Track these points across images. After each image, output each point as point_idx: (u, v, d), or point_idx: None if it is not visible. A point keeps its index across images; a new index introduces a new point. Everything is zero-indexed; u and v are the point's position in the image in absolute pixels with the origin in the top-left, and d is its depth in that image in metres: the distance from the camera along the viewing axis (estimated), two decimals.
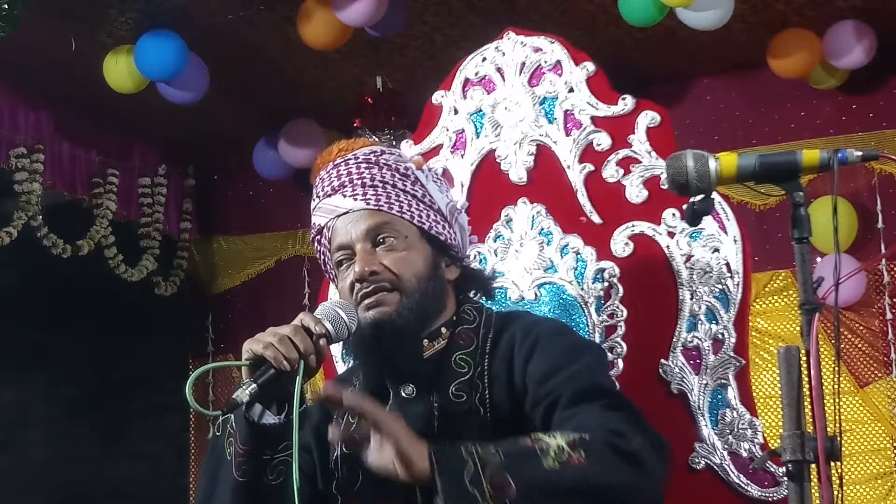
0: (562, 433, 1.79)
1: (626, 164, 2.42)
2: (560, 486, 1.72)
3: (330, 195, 2.06)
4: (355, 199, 2.03)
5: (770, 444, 2.13)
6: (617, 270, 2.36)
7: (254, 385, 1.77)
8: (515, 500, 1.69)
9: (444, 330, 2.04)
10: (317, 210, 2.09)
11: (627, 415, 1.87)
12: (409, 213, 2.04)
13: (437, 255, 2.06)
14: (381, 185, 2.04)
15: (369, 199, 2.03)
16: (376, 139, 4.99)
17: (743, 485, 2.23)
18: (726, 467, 2.24)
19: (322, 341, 1.86)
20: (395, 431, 1.73)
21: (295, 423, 1.79)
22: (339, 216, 2.04)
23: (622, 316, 2.34)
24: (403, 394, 1.99)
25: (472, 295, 2.15)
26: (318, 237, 2.10)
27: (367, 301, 1.98)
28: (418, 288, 1.99)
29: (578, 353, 1.98)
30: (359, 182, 2.04)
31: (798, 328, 1.72)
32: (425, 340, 2.02)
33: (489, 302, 2.26)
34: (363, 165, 2.06)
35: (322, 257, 2.13)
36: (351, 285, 2.00)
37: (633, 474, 1.77)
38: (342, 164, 2.08)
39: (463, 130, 2.58)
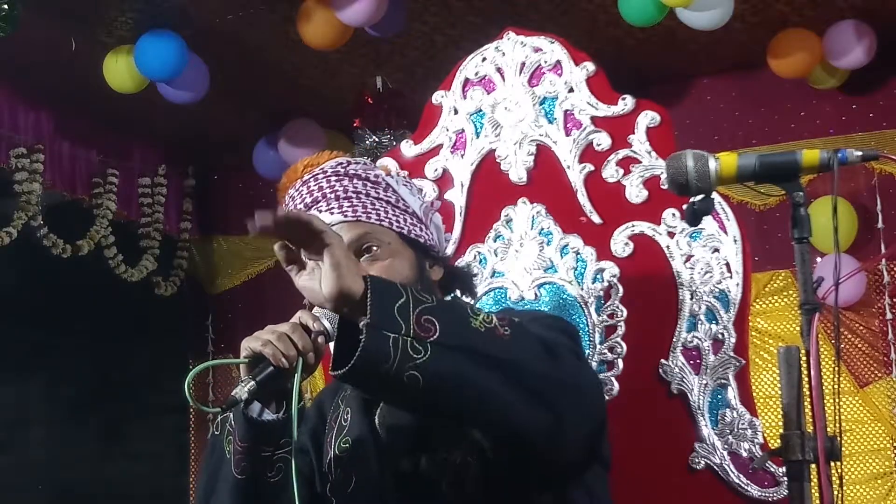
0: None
1: (626, 164, 2.42)
2: (479, 347, 1.70)
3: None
4: (332, 213, 2.00)
5: (770, 444, 2.14)
6: (617, 270, 2.37)
7: (252, 382, 1.78)
8: (434, 345, 1.67)
9: None
10: None
11: (570, 347, 1.86)
12: (387, 220, 2.02)
13: (421, 257, 2.06)
14: (354, 195, 2.02)
15: (346, 210, 2.01)
16: (376, 139, 4.99)
17: (743, 485, 2.23)
18: (726, 467, 2.24)
19: (320, 339, 1.86)
20: (338, 245, 1.71)
21: (293, 420, 1.79)
22: None
23: (622, 316, 2.34)
24: None
25: (459, 295, 2.15)
26: None
27: None
28: None
29: (544, 318, 1.99)
30: (332, 195, 2.02)
31: (798, 328, 1.71)
32: None
33: (489, 305, 2.25)
34: (333, 178, 2.04)
35: None
36: None
37: (550, 364, 1.74)
38: (311, 179, 2.06)
39: (463, 130, 2.58)
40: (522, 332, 1.75)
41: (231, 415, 1.89)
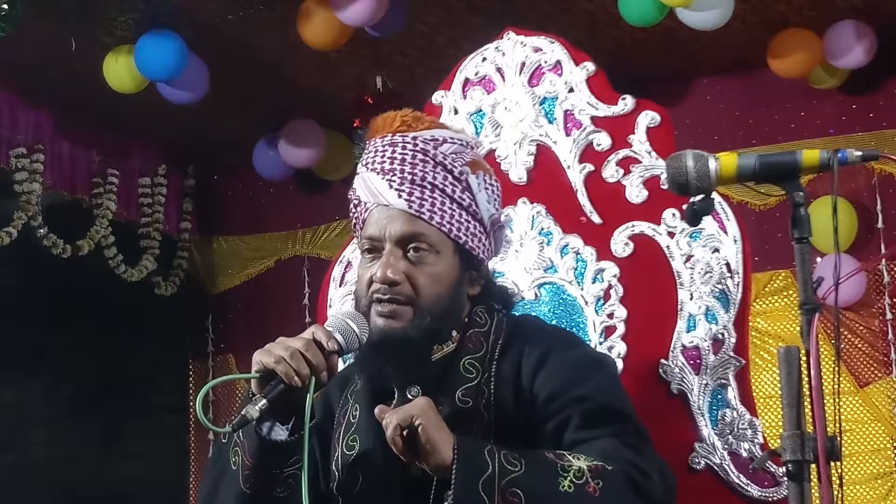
0: (587, 457, 1.78)
1: (626, 164, 2.42)
2: None
3: (378, 172, 1.99)
4: (399, 196, 1.96)
5: (770, 444, 2.14)
6: (617, 270, 2.36)
7: (264, 401, 1.76)
8: None
9: (454, 333, 2.01)
10: (361, 178, 2.03)
11: (643, 445, 1.87)
12: (448, 226, 1.96)
13: (464, 270, 2.00)
14: (429, 187, 1.96)
15: (413, 201, 1.95)
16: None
17: (743, 485, 2.22)
18: (726, 467, 2.24)
19: (334, 356, 1.85)
20: (426, 423, 1.75)
21: (305, 439, 1.78)
22: (379, 204, 1.99)
23: (622, 316, 2.34)
24: (409, 395, 1.97)
25: (495, 307, 2.09)
26: (356, 202, 2.04)
27: (379, 307, 1.94)
28: (432, 311, 1.94)
29: (589, 371, 1.96)
30: (409, 177, 1.96)
31: (798, 328, 1.72)
32: (435, 344, 1.99)
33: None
34: (419, 156, 1.98)
35: (354, 221, 2.08)
36: (369, 281, 1.96)
37: None
38: (399, 144, 1.99)
39: (463, 130, 2.57)
40: (615, 484, 1.76)
41: None
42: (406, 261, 1.95)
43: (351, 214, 2.09)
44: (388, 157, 1.99)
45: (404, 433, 1.75)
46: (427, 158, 1.99)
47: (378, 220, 1.98)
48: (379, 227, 1.97)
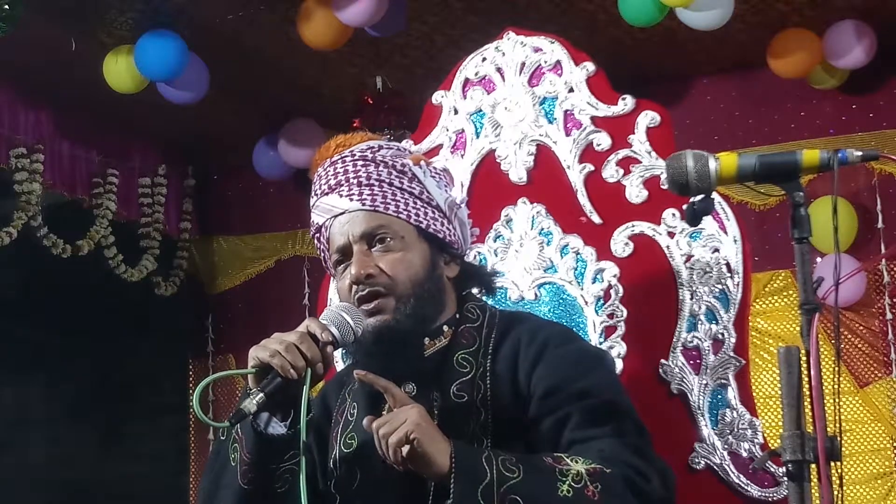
0: (585, 459, 1.79)
1: (626, 164, 2.42)
2: None
3: (327, 193, 2.05)
4: (351, 200, 2.02)
5: (770, 444, 2.14)
6: (617, 270, 2.36)
7: (261, 395, 1.77)
8: None
9: (446, 328, 2.03)
10: (315, 208, 2.09)
11: (642, 444, 1.87)
12: (405, 213, 2.02)
13: (436, 253, 2.05)
14: (377, 183, 2.03)
15: (365, 199, 2.01)
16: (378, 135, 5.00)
17: (743, 485, 2.23)
18: (726, 467, 2.24)
19: (329, 348, 1.86)
20: (420, 435, 1.76)
21: (302, 432, 1.79)
22: (336, 216, 2.04)
23: (622, 316, 2.34)
24: (404, 392, 1.98)
25: (474, 292, 2.14)
26: (318, 234, 2.10)
27: (365, 307, 1.97)
28: (413, 292, 1.98)
29: (588, 366, 1.97)
30: (355, 181, 2.03)
31: (798, 328, 1.72)
32: (426, 339, 2.01)
33: (491, 299, 2.25)
34: (360, 163, 2.05)
35: (322, 254, 2.13)
36: (349, 286, 2.00)
37: None
38: (339, 161, 2.06)
39: (463, 130, 2.58)
40: (614, 487, 1.77)
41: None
42: (375, 254, 1.99)
43: (318, 251, 2.14)
44: (332, 175, 2.06)
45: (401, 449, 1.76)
46: (367, 162, 2.05)
47: (339, 230, 2.03)
48: (342, 235, 2.02)
